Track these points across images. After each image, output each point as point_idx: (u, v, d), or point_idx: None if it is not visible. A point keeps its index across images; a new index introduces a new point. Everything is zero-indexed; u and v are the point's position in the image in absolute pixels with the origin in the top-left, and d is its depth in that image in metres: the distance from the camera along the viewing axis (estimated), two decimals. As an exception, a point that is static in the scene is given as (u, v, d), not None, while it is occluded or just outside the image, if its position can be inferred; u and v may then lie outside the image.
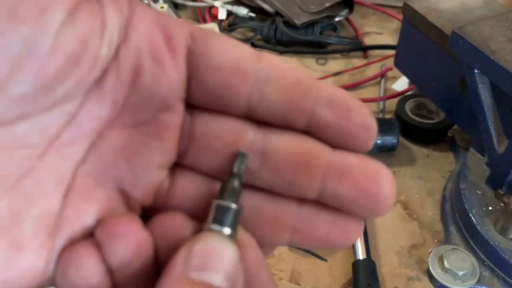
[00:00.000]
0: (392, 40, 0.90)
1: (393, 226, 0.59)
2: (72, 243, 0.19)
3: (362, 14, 0.98)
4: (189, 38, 0.20)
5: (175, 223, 0.20)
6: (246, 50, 0.20)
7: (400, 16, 0.72)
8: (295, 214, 0.21)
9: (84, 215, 0.20)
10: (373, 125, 0.20)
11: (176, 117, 0.20)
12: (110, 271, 0.19)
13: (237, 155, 0.20)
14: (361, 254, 0.53)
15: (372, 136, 0.20)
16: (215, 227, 0.19)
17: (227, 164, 0.20)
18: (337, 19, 0.91)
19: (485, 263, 0.52)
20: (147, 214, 0.21)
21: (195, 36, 0.20)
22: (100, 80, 0.19)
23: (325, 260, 0.55)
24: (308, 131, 0.20)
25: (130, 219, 0.19)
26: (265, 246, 0.21)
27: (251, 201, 0.21)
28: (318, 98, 0.20)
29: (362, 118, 0.20)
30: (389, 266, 0.54)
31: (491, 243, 0.50)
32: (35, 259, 0.19)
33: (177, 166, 0.21)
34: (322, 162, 0.20)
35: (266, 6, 0.89)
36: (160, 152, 0.20)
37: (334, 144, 0.20)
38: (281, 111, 0.20)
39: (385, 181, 0.20)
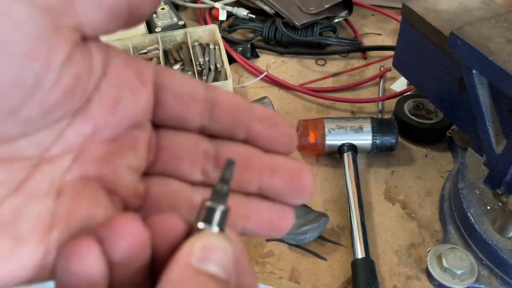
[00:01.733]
0: (391, 41, 0.91)
1: (392, 225, 0.59)
2: (72, 238, 0.21)
3: (361, 15, 0.99)
4: (154, 72, 0.25)
5: (172, 223, 0.23)
6: (197, 82, 0.26)
7: (399, 17, 0.72)
8: (245, 205, 0.26)
9: (76, 211, 0.23)
10: (294, 133, 0.27)
11: (145, 133, 0.25)
12: (111, 265, 0.21)
13: (227, 163, 0.24)
14: (360, 253, 0.54)
15: (294, 141, 0.27)
16: (206, 225, 0.23)
17: (188, 168, 0.26)
18: (336, 20, 0.91)
19: (484, 262, 0.52)
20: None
21: (158, 72, 0.25)
22: (85, 106, 0.23)
23: (324, 259, 0.55)
24: (246, 141, 0.27)
25: (132, 218, 0.22)
26: None
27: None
28: (253, 116, 0.26)
29: (286, 129, 0.26)
30: (388, 265, 0.55)
31: (489, 242, 0.51)
32: (33, 251, 0.21)
33: (150, 174, 0.26)
34: (258, 162, 0.26)
35: (266, 8, 0.89)
36: (134, 159, 0.25)
37: (266, 150, 0.27)
38: (226, 126, 0.26)
39: (306, 175, 0.26)
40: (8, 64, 0.19)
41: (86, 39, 0.22)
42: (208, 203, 0.23)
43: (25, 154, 0.22)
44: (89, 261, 0.20)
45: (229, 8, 0.91)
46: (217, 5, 0.91)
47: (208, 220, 0.22)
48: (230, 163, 0.23)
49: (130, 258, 0.21)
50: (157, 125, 0.26)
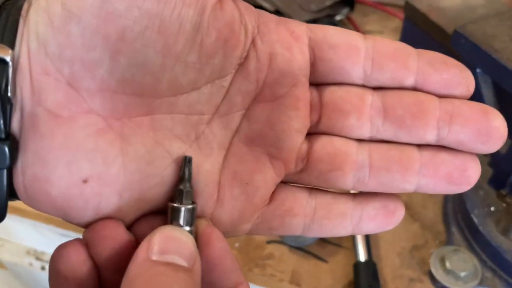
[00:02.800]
0: (393, 38, 0.90)
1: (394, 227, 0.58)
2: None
3: (363, 13, 0.98)
4: (307, 29, 0.25)
5: (154, 225, 0.22)
6: (353, 33, 0.25)
7: (401, 15, 0.72)
8: (418, 158, 0.24)
9: (239, 175, 0.24)
10: (469, 73, 0.24)
11: (304, 90, 0.24)
12: (97, 267, 0.22)
13: (184, 161, 0.23)
14: (362, 256, 0.53)
15: (472, 82, 0.24)
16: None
17: (355, 123, 0.24)
18: (338, 18, 0.90)
19: (487, 264, 0.52)
20: None
21: (311, 28, 0.25)
22: (243, 63, 0.24)
23: (325, 261, 0.55)
24: (416, 87, 0.24)
25: (115, 223, 0.22)
26: (398, 191, 0.24)
27: (379, 152, 0.24)
28: (421, 59, 0.24)
29: (460, 69, 0.24)
30: (390, 267, 0.54)
31: (493, 244, 0.50)
32: (204, 207, 0.24)
33: (315, 133, 0.25)
34: (433, 107, 0.23)
35: (266, 5, 0.89)
36: (297, 119, 0.24)
37: (441, 95, 0.24)
38: (391, 73, 0.24)
39: (493, 114, 0.23)
40: (170, 9, 0.21)
41: None
42: (174, 204, 0.23)
43: (198, 109, 0.23)
44: (76, 263, 0.21)
45: (229, 6, 0.90)
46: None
47: (177, 221, 0.22)
48: (187, 161, 0.23)
49: (115, 260, 0.22)
50: (318, 83, 0.25)
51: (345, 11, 0.90)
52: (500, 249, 0.50)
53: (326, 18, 0.88)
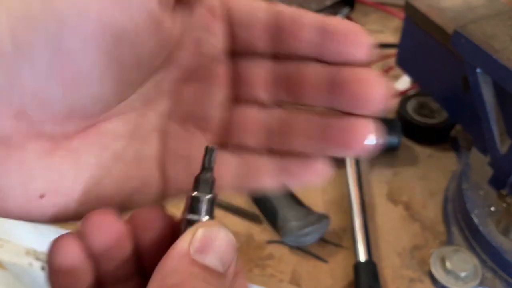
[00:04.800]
0: (393, 38, 0.90)
1: (394, 227, 0.58)
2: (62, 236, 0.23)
3: (363, 13, 0.98)
4: (223, 4, 0.26)
5: (151, 215, 0.23)
6: (259, 4, 0.26)
7: (402, 15, 0.71)
8: (318, 123, 0.25)
9: (180, 151, 0.26)
10: (366, 40, 0.25)
11: (224, 66, 0.27)
12: (93, 257, 0.22)
13: (207, 150, 0.23)
14: (362, 256, 0.53)
15: (364, 42, 0.25)
16: (194, 216, 0.22)
17: (262, 93, 0.26)
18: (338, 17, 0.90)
19: (488, 264, 0.51)
20: None
21: (227, 2, 0.26)
22: (173, 53, 0.25)
23: (325, 261, 0.55)
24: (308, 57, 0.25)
25: (109, 213, 0.23)
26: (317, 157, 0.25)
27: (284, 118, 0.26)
28: (310, 27, 0.26)
29: (357, 38, 0.25)
30: (390, 267, 0.54)
31: (493, 244, 0.50)
32: (153, 190, 0.26)
33: (236, 103, 0.27)
34: (323, 73, 0.25)
35: (266, 5, 0.89)
36: (218, 92, 0.27)
37: (337, 62, 0.25)
38: (295, 46, 0.25)
39: (369, 80, 0.24)
40: (127, 47, 0.21)
41: None
42: (194, 193, 0.23)
43: (135, 106, 0.25)
44: (72, 255, 0.22)
45: (230, 6, 0.90)
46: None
47: (195, 211, 0.22)
48: (210, 150, 0.23)
49: (111, 250, 0.22)
50: (237, 54, 0.27)
51: (345, 11, 0.90)
52: (500, 249, 0.50)
53: (326, 18, 0.88)
